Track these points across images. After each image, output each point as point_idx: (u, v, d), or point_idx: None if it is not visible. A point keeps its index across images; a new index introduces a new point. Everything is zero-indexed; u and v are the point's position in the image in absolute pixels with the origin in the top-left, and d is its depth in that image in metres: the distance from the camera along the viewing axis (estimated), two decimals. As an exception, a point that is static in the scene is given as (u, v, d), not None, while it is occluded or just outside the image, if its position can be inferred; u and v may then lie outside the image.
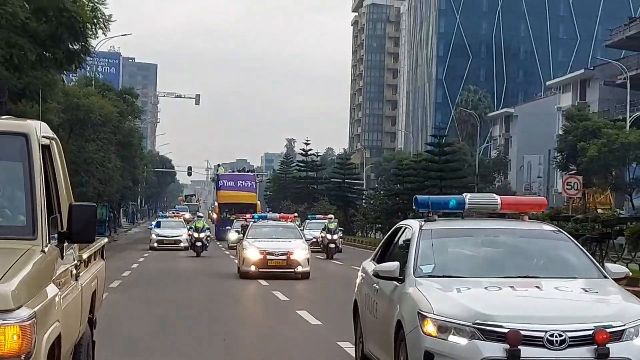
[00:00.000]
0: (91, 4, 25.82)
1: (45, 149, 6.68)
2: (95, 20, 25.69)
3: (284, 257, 27.06)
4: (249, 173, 74.67)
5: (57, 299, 6.01)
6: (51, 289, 5.94)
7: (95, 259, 8.83)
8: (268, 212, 54.40)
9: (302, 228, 39.71)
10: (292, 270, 27.02)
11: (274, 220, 34.40)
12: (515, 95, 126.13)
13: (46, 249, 6.10)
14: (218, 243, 57.46)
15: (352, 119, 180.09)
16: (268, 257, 27.00)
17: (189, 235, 44.12)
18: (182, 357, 12.42)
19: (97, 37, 27.37)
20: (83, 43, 26.20)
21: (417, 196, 10.38)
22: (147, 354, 12.70)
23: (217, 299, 21.41)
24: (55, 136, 7.23)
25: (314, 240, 41.65)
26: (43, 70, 26.71)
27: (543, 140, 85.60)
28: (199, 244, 41.15)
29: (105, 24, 26.01)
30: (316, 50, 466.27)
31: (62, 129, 40.81)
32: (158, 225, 51.67)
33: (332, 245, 40.96)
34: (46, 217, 6.27)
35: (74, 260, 7.18)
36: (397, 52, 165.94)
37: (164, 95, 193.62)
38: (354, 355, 11.36)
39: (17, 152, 6.36)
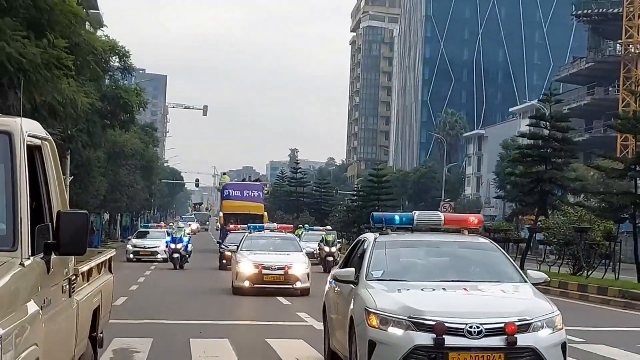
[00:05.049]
0: (136, 91, 39.88)
1: (35, 150, 5.97)
2: (138, 103, 39.68)
3: (281, 271, 24.52)
4: (256, 182, 69.91)
5: (37, 318, 5.28)
6: (30, 308, 5.20)
7: (99, 273, 8.21)
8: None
9: (299, 239, 35.15)
10: (290, 286, 24.54)
11: (272, 230, 31.47)
12: (494, 116, 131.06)
13: (26, 263, 5.35)
14: None
15: (349, 132, 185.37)
16: (264, 271, 24.51)
17: (167, 246, 40.36)
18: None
19: (140, 113, 41.59)
20: (130, 116, 40.43)
21: (374, 213, 11.50)
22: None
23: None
24: (49, 137, 6.46)
25: (312, 252, 39.35)
26: (104, 131, 41.06)
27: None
28: (176, 255, 38.10)
29: (145, 104, 40.46)
30: (323, 60, 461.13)
31: (104, 159, 54.69)
32: (139, 235, 48.13)
33: (330, 259, 37.22)
34: (29, 226, 5.50)
35: (66, 274, 6.38)
36: (391, 72, 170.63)
37: (173, 106, 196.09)
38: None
39: None
